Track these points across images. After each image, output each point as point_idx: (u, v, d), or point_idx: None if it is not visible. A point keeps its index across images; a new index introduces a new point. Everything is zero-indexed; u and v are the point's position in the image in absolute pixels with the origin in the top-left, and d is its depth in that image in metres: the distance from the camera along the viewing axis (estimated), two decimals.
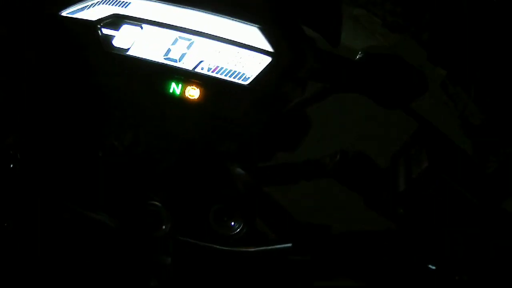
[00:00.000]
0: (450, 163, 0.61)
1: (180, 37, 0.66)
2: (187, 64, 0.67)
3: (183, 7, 0.68)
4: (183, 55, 0.66)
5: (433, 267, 0.64)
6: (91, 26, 0.67)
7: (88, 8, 0.68)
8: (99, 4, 0.68)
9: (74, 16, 0.68)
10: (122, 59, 0.67)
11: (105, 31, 0.67)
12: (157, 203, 0.61)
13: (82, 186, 0.66)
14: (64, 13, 0.69)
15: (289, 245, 0.65)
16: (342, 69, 0.71)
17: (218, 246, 0.59)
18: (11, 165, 0.68)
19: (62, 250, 0.68)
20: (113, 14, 0.67)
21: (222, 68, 0.64)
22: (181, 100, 0.67)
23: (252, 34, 0.68)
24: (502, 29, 8.03)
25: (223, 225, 0.61)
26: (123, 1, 0.67)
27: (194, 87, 0.68)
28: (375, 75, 0.72)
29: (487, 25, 8.04)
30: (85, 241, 0.66)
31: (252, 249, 0.61)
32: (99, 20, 0.67)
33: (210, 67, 0.66)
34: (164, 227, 0.60)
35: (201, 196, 0.62)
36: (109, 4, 0.69)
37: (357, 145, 0.76)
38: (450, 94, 7.22)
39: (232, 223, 0.63)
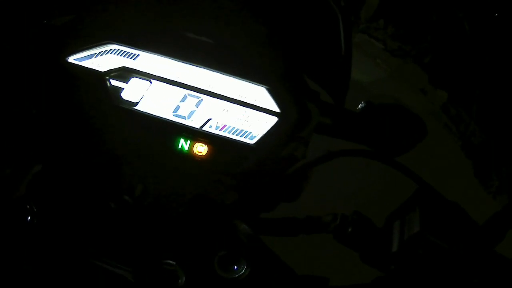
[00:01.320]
0: (442, 224, 0.67)
1: (189, 94, 0.67)
2: (195, 122, 0.66)
3: (192, 65, 0.69)
4: (192, 113, 0.66)
5: None
6: (99, 77, 0.67)
7: (96, 56, 0.67)
8: (106, 53, 0.67)
9: (82, 64, 0.68)
10: (131, 113, 0.67)
11: (114, 83, 0.66)
12: (171, 261, 0.68)
13: (98, 240, 0.71)
14: (71, 59, 0.68)
15: None
16: (345, 121, 0.80)
17: None
18: (28, 219, 0.73)
19: None
20: (122, 67, 0.66)
21: (229, 126, 0.64)
22: (189, 156, 0.66)
23: (260, 94, 0.64)
24: (502, 47, 8.15)
25: (228, 269, 0.68)
26: (132, 53, 0.70)
27: (202, 144, 0.68)
28: (377, 125, 0.80)
29: (488, 44, 8.16)
30: None
31: None
32: (108, 72, 0.67)
33: (218, 125, 0.65)
34: (180, 281, 0.66)
35: (207, 245, 0.68)
36: (116, 55, 0.66)
37: (356, 205, 0.84)
38: (452, 116, 7.29)
39: (235, 267, 0.69)
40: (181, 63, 0.70)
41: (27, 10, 0.79)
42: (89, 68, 0.68)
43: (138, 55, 0.68)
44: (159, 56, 0.71)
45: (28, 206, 0.73)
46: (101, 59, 0.69)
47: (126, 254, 0.71)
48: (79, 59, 0.69)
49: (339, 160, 0.82)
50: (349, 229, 0.73)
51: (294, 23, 0.73)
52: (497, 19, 8.67)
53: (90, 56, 0.69)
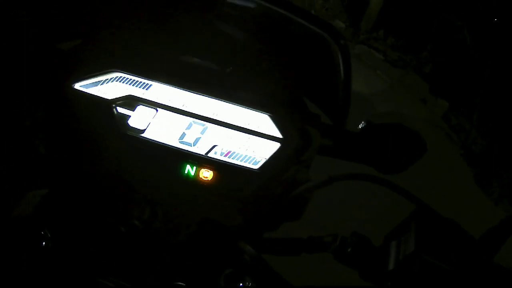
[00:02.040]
0: (437, 242, 0.68)
1: (194, 122, 0.71)
2: (201, 148, 0.70)
3: (197, 94, 0.72)
4: (197, 140, 0.71)
5: None
6: (106, 105, 0.70)
7: (102, 84, 0.71)
8: (112, 81, 0.70)
9: (88, 91, 0.71)
10: (138, 140, 0.71)
11: (121, 110, 0.70)
12: (181, 283, 0.67)
13: (109, 262, 0.71)
14: (78, 86, 0.71)
15: None
16: (346, 142, 0.80)
17: None
18: (43, 243, 0.72)
19: None
20: (129, 95, 0.70)
21: (234, 152, 0.70)
22: (195, 181, 0.70)
23: (263, 121, 0.70)
24: (502, 54, 8.13)
25: (233, 287, 0.68)
26: (137, 81, 0.71)
27: (207, 169, 0.69)
28: (378, 145, 0.80)
29: (488, 51, 8.14)
30: None
31: None
32: (115, 100, 0.70)
33: (222, 151, 0.70)
34: None
35: (214, 264, 0.69)
36: (122, 82, 0.70)
37: (356, 224, 0.86)
38: (453, 125, 7.29)
39: (241, 284, 0.69)
40: (186, 91, 0.75)
41: (36, 34, 0.78)
42: (96, 95, 0.70)
43: (144, 83, 0.71)
44: (164, 85, 0.71)
45: (42, 232, 0.73)
46: (107, 86, 0.71)
47: (137, 276, 0.72)
48: (85, 86, 0.71)
49: (339, 182, 0.85)
50: (348, 249, 0.75)
51: (296, 56, 0.76)
52: (497, 26, 8.72)
53: (96, 84, 0.71)
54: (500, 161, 7.39)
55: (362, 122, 0.83)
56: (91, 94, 0.70)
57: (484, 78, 8.23)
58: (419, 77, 8.29)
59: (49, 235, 0.69)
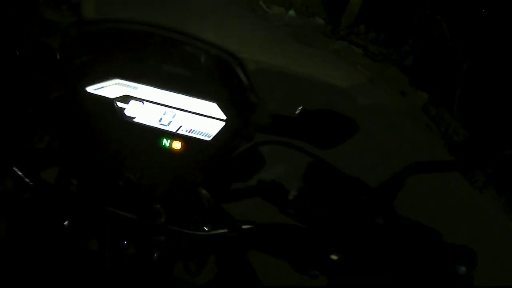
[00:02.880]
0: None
1: (168, 110, 0.96)
2: (172, 127, 0.96)
3: (169, 91, 0.97)
4: (170, 122, 0.96)
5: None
6: (109, 102, 0.96)
7: (106, 87, 0.97)
8: (113, 85, 0.97)
9: (96, 92, 0.97)
10: (131, 124, 0.97)
11: (119, 104, 0.96)
12: (158, 205, 0.88)
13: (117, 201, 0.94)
14: (89, 89, 0.97)
15: (251, 226, 0.90)
16: (285, 124, 1.03)
17: (198, 233, 0.86)
18: (71, 189, 0.94)
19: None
20: (125, 95, 0.96)
21: (193, 129, 0.95)
22: (170, 150, 0.97)
23: (212, 107, 0.95)
24: (483, 46, 8.30)
25: (199, 227, 0.90)
26: (130, 85, 0.98)
27: (177, 141, 0.95)
28: (311, 127, 1.01)
29: (468, 44, 8.30)
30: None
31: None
32: (115, 98, 0.96)
33: (186, 129, 0.96)
34: (161, 218, 0.86)
35: (184, 210, 0.91)
36: (120, 85, 0.96)
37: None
38: (432, 116, 7.52)
39: (205, 228, 0.91)
40: (162, 90, 0.96)
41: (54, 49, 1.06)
42: (102, 95, 0.96)
43: (134, 85, 0.96)
44: (147, 86, 0.96)
45: (70, 180, 0.95)
46: (110, 88, 0.96)
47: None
48: (94, 89, 0.96)
49: (269, 148, 1.07)
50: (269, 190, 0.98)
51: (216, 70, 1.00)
52: (475, 19, 8.95)
53: (102, 87, 0.96)
54: (483, 150, 7.63)
55: (298, 109, 1.03)
56: (98, 94, 0.96)
57: (464, 70, 8.49)
58: (399, 70, 8.49)
59: (75, 183, 0.93)
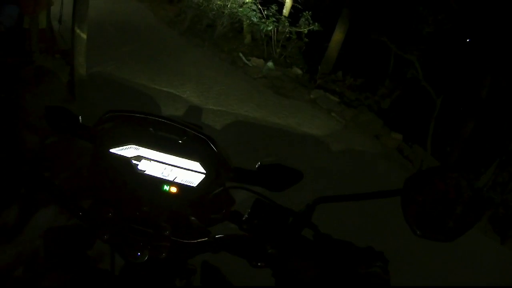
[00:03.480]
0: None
1: (167, 167, 1.27)
2: (170, 178, 1.26)
3: (169, 154, 1.28)
4: (168, 174, 1.26)
5: None
6: (127, 160, 1.25)
7: (124, 149, 1.27)
8: (129, 148, 1.27)
9: (117, 153, 1.26)
10: (142, 175, 1.26)
11: (134, 162, 1.26)
12: (164, 223, 1.25)
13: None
14: (112, 150, 1.25)
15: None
16: (248, 175, 1.38)
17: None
18: (108, 214, 1.25)
19: None
20: (138, 155, 1.26)
21: (184, 179, 1.26)
22: (169, 193, 1.26)
23: (196, 165, 1.27)
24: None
25: (190, 238, 1.26)
26: (141, 149, 1.28)
27: (174, 187, 1.25)
28: (266, 177, 1.38)
29: (439, 79, 8.51)
30: None
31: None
32: (131, 157, 1.26)
33: (180, 179, 1.26)
34: (168, 232, 1.22)
35: (182, 228, 1.28)
36: (134, 149, 1.27)
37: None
38: (406, 155, 7.79)
39: (194, 239, 1.28)
40: (163, 153, 1.28)
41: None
42: (122, 155, 1.26)
43: (145, 149, 1.28)
44: (154, 151, 1.28)
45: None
46: (127, 151, 1.26)
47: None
48: (116, 150, 1.26)
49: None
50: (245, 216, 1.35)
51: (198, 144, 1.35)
52: (445, 58, 9.30)
53: (121, 149, 1.26)
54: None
55: (257, 164, 1.40)
56: (119, 154, 1.26)
57: (436, 106, 8.70)
58: (373, 114, 8.81)
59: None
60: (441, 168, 1.07)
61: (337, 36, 10.20)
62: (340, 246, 1.20)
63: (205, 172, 1.29)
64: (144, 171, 1.28)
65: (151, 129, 1.36)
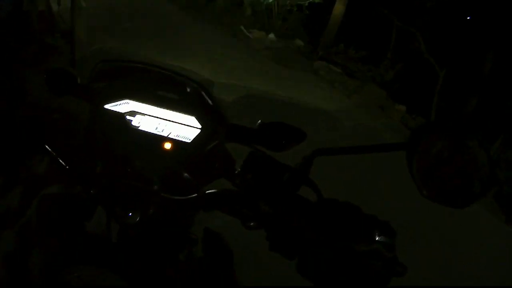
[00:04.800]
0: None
1: (161, 121, 1.27)
2: (165, 133, 1.25)
3: (163, 108, 1.27)
4: (163, 129, 1.26)
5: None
6: (121, 115, 1.26)
7: (119, 105, 1.27)
8: (124, 103, 1.27)
9: (112, 108, 1.27)
10: (136, 130, 1.26)
11: (128, 117, 1.26)
12: (154, 177, 1.23)
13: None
14: (107, 106, 1.26)
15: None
16: (246, 133, 1.34)
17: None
18: (97, 169, 1.26)
19: None
20: (132, 110, 1.28)
21: (179, 135, 1.24)
22: (163, 148, 1.26)
23: (192, 120, 1.26)
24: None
25: (181, 195, 1.24)
26: (136, 103, 1.27)
27: (168, 143, 1.24)
28: (267, 135, 1.32)
29: (442, 52, 8.42)
30: None
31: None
32: (125, 113, 1.27)
33: (174, 134, 1.25)
34: (156, 187, 1.19)
35: (174, 184, 1.25)
36: (129, 104, 1.27)
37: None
38: (410, 127, 7.74)
39: (185, 195, 1.25)
40: (157, 108, 1.27)
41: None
42: (116, 111, 1.26)
43: (139, 104, 1.27)
44: (148, 105, 1.27)
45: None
46: (121, 106, 1.26)
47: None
48: (111, 106, 1.26)
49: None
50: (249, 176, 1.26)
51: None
52: (449, 30, 9.24)
53: (116, 105, 1.26)
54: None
55: (258, 122, 1.35)
56: (113, 110, 1.26)
57: (440, 78, 8.69)
58: (376, 86, 8.77)
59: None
60: (453, 125, 0.95)
61: (338, 8, 10.09)
62: (344, 211, 1.09)
63: (200, 127, 1.27)
64: (138, 126, 1.27)
65: (146, 82, 1.34)
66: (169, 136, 1.26)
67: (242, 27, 8.93)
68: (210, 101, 1.32)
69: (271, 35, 8.84)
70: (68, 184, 1.36)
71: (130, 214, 1.17)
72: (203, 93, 1.32)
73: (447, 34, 9.47)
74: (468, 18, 9.76)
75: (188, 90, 1.34)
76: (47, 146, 1.25)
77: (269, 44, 8.61)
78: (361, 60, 9.72)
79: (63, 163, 1.24)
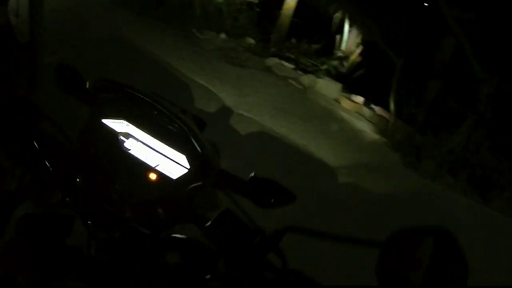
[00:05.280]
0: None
1: (152, 152, 1.26)
2: (152, 163, 1.24)
3: (156, 139, 1.26)
4: (152, 159, 1.24)
5: None
6: (116, 133, 1.24)
7: (115, 123, 1.26)
8: (120, 123, 1.26)
9: (109, 124, 1.25)
10: (126, 153, 1.24)
11: (121, 138, 1.25)
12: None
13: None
14: (104, 120, 1.25)
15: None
16: (236, 184, 1.34)
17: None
18: (77, 181, 1.28)
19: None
20: (127, 132, 1.25)
21: (166, 169, 1.23)
22: (148, 178, 1.23)
23: (182, 158, 1.24)
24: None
25: (154, 229, 1.27)
26: (132, 127, 1.27)
27: (154, 174, 1.23)
28: (257, 190, 1.28)
29: (399, 41, 8.49)
30: None
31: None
32: (120, 133, 1.25)
33: (162, 167, 1.24)
34: (127, 214, 1.24)
35: (155, 215, 1.24)
36: (125, 125, 1.27)
37: None
38: (369, 117, 7.79)
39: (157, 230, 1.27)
40: (152, 137, 1.25)
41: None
42: (112, 128, 1.24)
43: (135, 129, 1.25)
44: (144, 132, 1.25)
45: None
46: (118, 125, 1.25)
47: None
48: (108, 121, 1.24)
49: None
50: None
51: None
52: (402, 20, 9.35)
53: (113, 122, 1.24)
54: (427, 141, 7.82)
55: (251, 174, 1.28)
56: (109, 126, 1.25)
57: (397, 67, 8.77)
58: (331, 79, 8.75)
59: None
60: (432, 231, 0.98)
61: (288, 3, 10.08)
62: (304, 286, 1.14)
63: (188, 167, 1.24)
64: (129, 149, 1.25)
65: (147, 110, 1.30)
66: (156, 168, 1.24)
67: (194, 29, 8.84)
68: (199, 149, 1.28)
69: (222, 35, 8.79)
70: (40, 199, 1.32)
71: (101, 230, 1.21)
72: (194, 141, 1.28)
73: (402, 23, 9.56)
74: (426, 4, 9.85)
75: (186, 129, 1.29)
76: (35, 143, 1.29)
77: (220, 44, 8.55)
78: (314, 53, 9.72)
79: (47, 164, 1.27)
